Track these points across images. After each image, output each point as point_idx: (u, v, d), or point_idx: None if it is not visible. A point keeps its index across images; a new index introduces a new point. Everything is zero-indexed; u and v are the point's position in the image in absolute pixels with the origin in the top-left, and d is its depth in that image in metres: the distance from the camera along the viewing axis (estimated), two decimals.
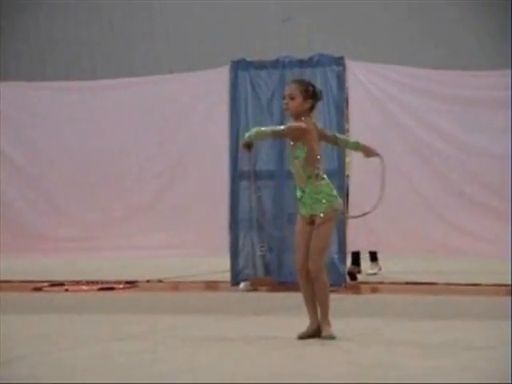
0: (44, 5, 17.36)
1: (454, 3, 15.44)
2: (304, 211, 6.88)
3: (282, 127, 7.08)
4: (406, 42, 15.04)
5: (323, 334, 6.76)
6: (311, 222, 6.87)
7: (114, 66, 15.38)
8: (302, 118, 6.88)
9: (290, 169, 7.00)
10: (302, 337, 6.71)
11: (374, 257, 11.07)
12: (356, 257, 10.91)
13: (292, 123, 6.94)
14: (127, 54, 16.42)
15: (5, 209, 10.71)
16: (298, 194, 6.92)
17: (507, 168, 9.59)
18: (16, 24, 17.50)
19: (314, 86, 6.98)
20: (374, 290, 10.28)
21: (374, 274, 11.00)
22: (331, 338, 6.72)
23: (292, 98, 6.89)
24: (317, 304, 6.85)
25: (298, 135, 6.81)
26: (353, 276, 10.71)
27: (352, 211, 9.88)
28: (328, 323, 6.81)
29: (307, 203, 6.85)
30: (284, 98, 6.97)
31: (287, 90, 6.96)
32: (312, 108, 6.90)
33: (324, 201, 6.82)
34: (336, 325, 7.06)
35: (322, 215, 6.81)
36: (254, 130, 6.90)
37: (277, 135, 7.23)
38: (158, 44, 16.36)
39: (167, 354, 6.54)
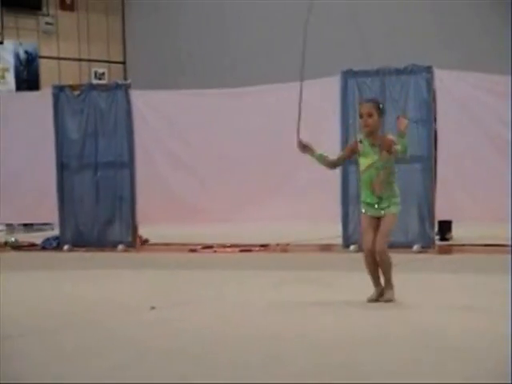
0: (181, 23, 17.59)
1: None
2: (378, 214, 6.47)
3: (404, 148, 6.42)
4: (482, 52, 14.85)
5: (384, 297, 6.48)
6: (377, 219, 6.49)
7: (241, 75, 15.39)
8: (379, 134, 6.48)
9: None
10: (370, 300, 6.51)
11: (448, 226, 10.92)
12: (448, 225, 10.84)
13: (392, 140, 6.39)
14: (252, 66, 16.44)
15: (168, 189, 10.96)
16: (373, 200, 6.47)
17: None
18: (160, 42, 17.83)
19: (381, 104, 6.57)
20: (458, 251, 10.06)
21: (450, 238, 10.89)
22: (390, 301, 6.46)
23: (370, 116, 6.41)
24: (380, 274, 6.53)
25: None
26: (444, 240, 10.71)
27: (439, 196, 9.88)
28: (391, 287, 6.53)
29: (384, 207, 6.46)
30: (361, 116, 6.47)
31: (365, 109, 6.45)
32: None
33: (398, 202, 6.50)
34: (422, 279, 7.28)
35: (393, 211, 6.48)
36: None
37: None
38: (281, 56, 16.39)
39: (292, 300, 6.74)
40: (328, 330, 5.66)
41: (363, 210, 6.60)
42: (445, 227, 10.87)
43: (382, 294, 6.55)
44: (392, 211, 6.52)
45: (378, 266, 6.55)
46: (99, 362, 4.89)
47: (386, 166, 6.47)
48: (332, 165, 6.78)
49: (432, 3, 15.60)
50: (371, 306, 6.42)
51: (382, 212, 6.50)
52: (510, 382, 4.19)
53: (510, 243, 9.53)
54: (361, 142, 6.55)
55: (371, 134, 6.49)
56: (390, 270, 6.56)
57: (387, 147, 6.41)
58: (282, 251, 10.59)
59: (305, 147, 6.65)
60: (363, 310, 6.31)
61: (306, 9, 6.65)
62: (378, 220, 6.54)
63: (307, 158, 10.24)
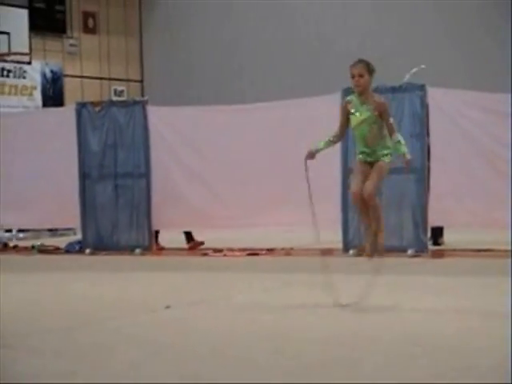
0: (194, 45, 17.50)
1: None
2: (370, 160, 6.34)
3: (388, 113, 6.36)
4: (467, 70, 14.75)
5: (378, 244, 6.35)
6: (370, 165, 6.35)
7: (251, 91, 15.32)
8: (370, 92, 6.33)
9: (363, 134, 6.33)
10: (369, 255, 6.40)
11: (440, 232, 10.78)
12: (439, 231, 10.71)
13: (385, 105, 6.32)
14: (261, 82, 16.33)
15: (182, 197, 10.82)
16: (366, 150, 6.33)
17: None
18: (174, 62, 17.74)
19: (371, 64, 6.36)
20: (449, 255, 9.91)
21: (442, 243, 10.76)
22: (382, 245, 6.34)
23: (361, 76, 6.25)
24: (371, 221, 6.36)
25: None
26: (437, 245, 10.59)
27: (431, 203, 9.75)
28: (382, 232, 6.37)
29: (378, 155, 6.33)
30: (353, 76, 6.28)
31: (356, 70, 6.27)
32: None
33: (389, 155, 6.31)
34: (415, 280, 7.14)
35: (386, 161, 6.32)
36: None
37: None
38: (289, 75, 16.35)
39: (295, 301, 6.68)
40: (328, 329, 5.58)
41: (358, 157, 6.44)
42: (437, 233, 10.77)
43: (375, 245, 6.41)
44: (385, 159, 6.35)
45: (367, 209, 6.36)
46: (113, 360, 4.80)
47: (377, 120, 6.31)
48: (340, 138, 6.65)
49: (428, 26, 15.50)
50: (369, 306, 6.32)
51: (376, 159, 6.35)
52: (510, 381, 4.03)
53: (499, 248, 9.44)
54: (350, 102, 6.42)
55: (363, 92, 6.34)
56: (381, 218, 6.38)
57: (380, 112, 6.27)
58: (286, 255, 10.48)
59: (312, 154, 6.61)
60: (361, 310, 6.20)
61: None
62: (370, 167, 6.38)
63: (311, 169, 10.19)
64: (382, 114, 6.31)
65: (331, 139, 6.59)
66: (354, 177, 6.54)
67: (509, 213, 9.26)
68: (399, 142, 6.36)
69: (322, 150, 6.60)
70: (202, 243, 11.19)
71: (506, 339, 4.85)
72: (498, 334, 5.09)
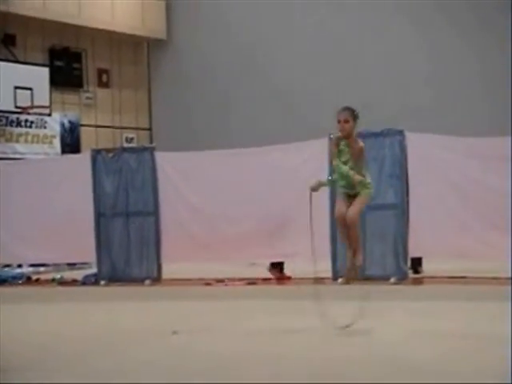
0: (197, 98, 17.55)
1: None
2: (351, 193, 6.35)
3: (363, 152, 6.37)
4: (444, 116, 14.67)
5: (356, 262, 6.36)
6: (352, 197, 6.35)
7: (239, 141, 15.31)
8: (354, 137, 6.35)
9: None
10: (344, 280, 6.41)
11: (419, 261, 10.69)
12: (419, 261, 10.65)
13: (363, 149, 6.33)
14: (255, 131, 16.08)
15: (187, 233, 10.77)
16: (346, 185, 6.34)
17: None
18: (179, 112, 17.79)
19: (355, 111, 6.39)
20: (428, 282, 9.88)
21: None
22: (360, 266, 6.38)
23: (347, 122, 6.27)
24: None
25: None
26: (416, 273, 10.53)
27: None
28: (360, 252, 6.39)
29: (354, 190, 6.33)
30: (339, 122, 6.29)
31: (342, 116, 6.28)
32: None
33: (370, 187, 6.36)
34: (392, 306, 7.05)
35: (366, 191, 6.33)
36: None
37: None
38: (276, 121, 16.36)
39: (291, 326, 6.60)
40: (321, 351, 5.53)
41: (340, 190, 6.46)
42: (416, 262, 10.70)
43: (354, 263, 6.40)
44: (365, 191, 6.37)
45: (348, 231, 6.38)
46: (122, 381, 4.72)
47: (356, 166, 6.32)
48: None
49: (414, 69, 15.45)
50: (357, 330, 6.24)
51: (356, 192, 6.35)
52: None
53: (472, 275, 9.39)
54: (339, 139, 6.40)
55: (348, 136, 6.37)
56: (359, 239, 6.41)
57: (358, 156, 6.31)
58: (281, 284, 10.36)
59: (315, 188, 6.59)
60: (351, 333, 6.15)
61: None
62: (352, 199, 6.37)
63: (303, 207, 10.10)
64: (359, 157, 6.34)
65: (333, 179, 6.57)
66: (337, 204, 6.53)
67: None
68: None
69: (325, 185, 6.68)
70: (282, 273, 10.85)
71: (482, 359, 4.81)
72: (475, 353, 5.05)
